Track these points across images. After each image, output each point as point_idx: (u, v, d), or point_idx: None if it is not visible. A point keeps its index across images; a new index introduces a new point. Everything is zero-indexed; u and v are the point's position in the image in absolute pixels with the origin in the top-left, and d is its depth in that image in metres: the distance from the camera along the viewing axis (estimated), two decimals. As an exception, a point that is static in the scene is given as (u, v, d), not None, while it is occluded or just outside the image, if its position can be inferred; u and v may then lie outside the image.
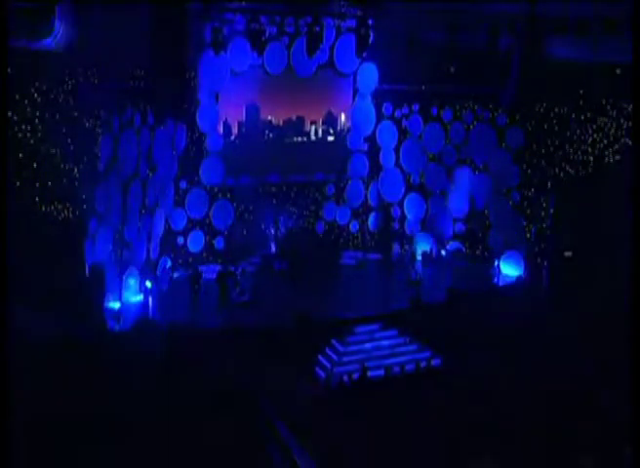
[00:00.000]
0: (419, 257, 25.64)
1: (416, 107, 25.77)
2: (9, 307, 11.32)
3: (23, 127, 18.02)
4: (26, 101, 18.09)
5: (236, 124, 24.50)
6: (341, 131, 26.29)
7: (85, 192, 18.69)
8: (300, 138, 25.62)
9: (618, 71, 21.63)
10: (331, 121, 26.08)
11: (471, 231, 25.38)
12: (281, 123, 25.17)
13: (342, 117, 26.24)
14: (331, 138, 26.20)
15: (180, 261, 23.67)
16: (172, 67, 21.83)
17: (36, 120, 18.12)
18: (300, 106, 25.38)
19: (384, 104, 26.26)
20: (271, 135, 25.04)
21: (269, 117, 24.93)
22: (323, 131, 26.00)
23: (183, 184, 23.71)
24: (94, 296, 18.66)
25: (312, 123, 25.73)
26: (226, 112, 24.13)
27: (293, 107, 25.26)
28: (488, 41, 23.41)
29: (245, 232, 25.06)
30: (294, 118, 25.38)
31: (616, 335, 15.40)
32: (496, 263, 23.52)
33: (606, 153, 22.98)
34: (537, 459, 13.47)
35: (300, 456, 13.56)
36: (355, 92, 26.19)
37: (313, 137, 25.85)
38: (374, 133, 26.57)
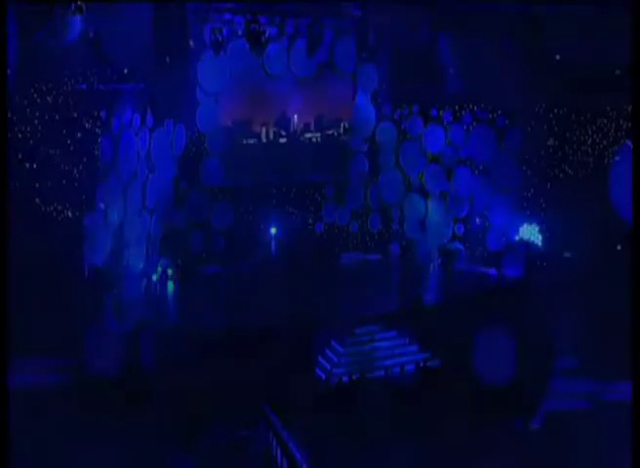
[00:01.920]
0: (418, 258, 25.62)
1: (415, 108, 25.76)
2: (8, 308, 11.30)
3: (23, 127, 18.03)
4: (26, 101, 18.11)
5: (235, 124, 24.51)
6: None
7: (85, 193, 18.69)
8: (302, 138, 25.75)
9: (617, 72, 21.65)
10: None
11: (471, 232, 25.36)
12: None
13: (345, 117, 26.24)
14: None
15: (180, 262, 23.67)
16: (172, 67, 21.85)
17: (36, 120, 18.12)
18: (299, 107, 25.43)
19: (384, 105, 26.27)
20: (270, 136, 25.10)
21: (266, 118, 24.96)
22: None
23: (183, 185, 23.68)
24: (94, 297, 18.64)
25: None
26: (226, 112, 24.12)
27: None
28: None
29: (244, 233, 25.07)
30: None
31: (616, 335, 15.40)
32: (495, 264, 23.49)
33: (606, 154, 22.99)
34: (537, 460, 13.48)
35: (300, 456, 13.55)
36: (355, 92, 26.18)
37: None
38: (373, 133, 26.58)
